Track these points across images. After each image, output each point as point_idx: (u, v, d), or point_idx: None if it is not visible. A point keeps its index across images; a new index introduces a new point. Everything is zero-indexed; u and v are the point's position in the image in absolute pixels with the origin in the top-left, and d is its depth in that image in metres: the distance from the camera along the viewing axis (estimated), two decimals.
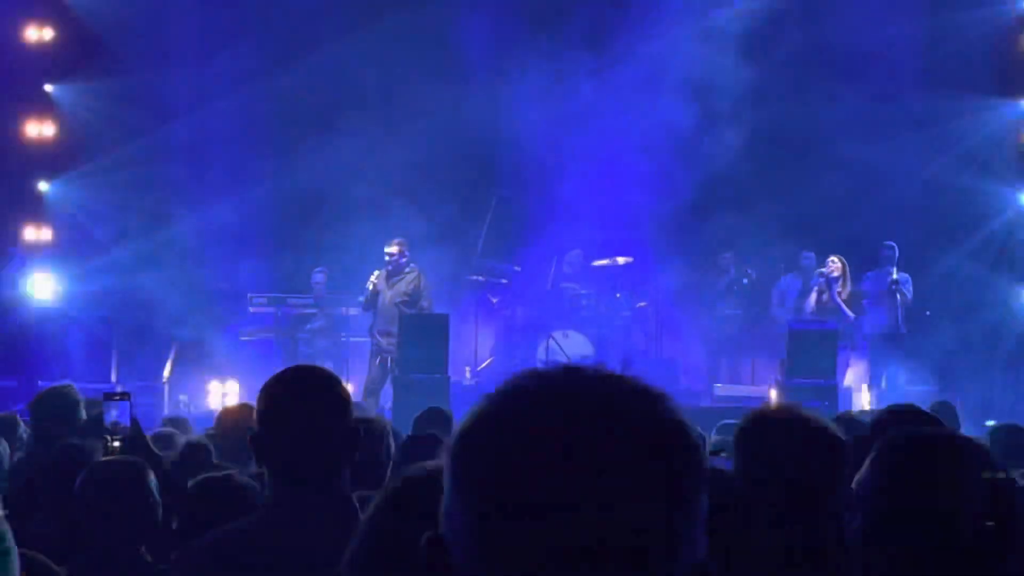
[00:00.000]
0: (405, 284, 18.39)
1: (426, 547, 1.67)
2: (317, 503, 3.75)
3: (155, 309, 19.48)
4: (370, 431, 5.00)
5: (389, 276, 18.42)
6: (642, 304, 19.80)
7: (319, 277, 19.75)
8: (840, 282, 19.21)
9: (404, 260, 18.42)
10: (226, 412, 7.04)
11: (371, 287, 18.37)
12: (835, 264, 19.26)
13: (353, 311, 19.23)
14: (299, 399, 3.97)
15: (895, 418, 5.50)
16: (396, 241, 18.48)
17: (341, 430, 3.96)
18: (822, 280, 19.26)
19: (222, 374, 19.21)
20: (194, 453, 6.82)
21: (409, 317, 17.87)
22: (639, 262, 20.08)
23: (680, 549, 1.59)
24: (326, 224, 20.42)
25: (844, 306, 18.90)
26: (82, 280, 19.61)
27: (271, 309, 19.41)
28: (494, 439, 1.62)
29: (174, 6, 20.70)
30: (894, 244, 19.60)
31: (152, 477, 5.28)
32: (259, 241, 20.30)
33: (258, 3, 20.76)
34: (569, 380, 1.65)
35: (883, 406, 9.43)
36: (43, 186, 20.43)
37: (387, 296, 18.32)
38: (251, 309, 19.51)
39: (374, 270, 18.55)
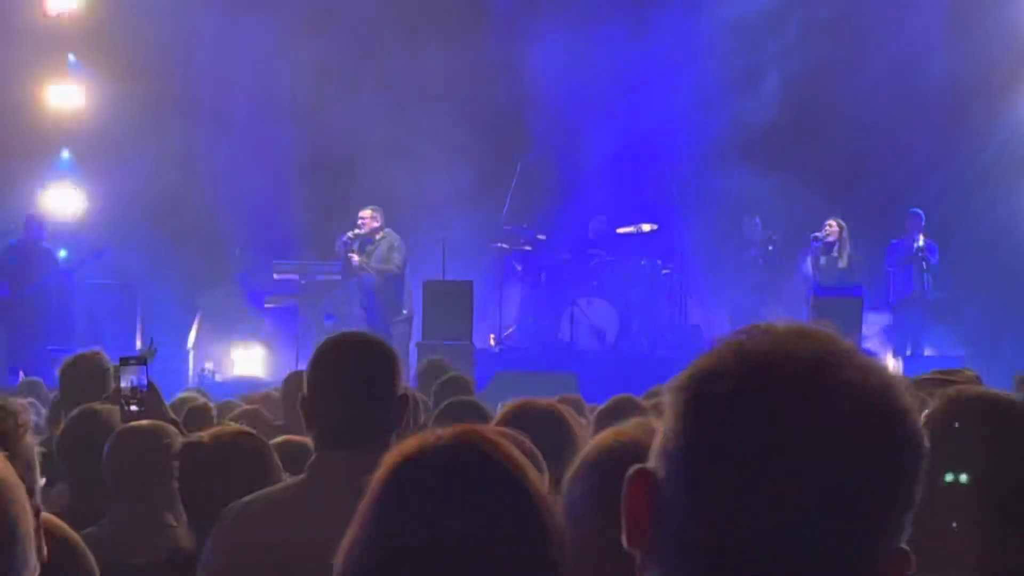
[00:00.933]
0: (380, 251, 18.41)
1: (634, 479, 1.65)
2: (359, 468, 3.72)
3: (179, 275, 19.47)
4: None
5: (363, 245, 18.38)
6: (666, 271, 19.71)
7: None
8: (837, 247, 19.16)
9: (377, 226, 18.41)
10: (289, 378, 7.07)
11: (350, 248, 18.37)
12: (832, 228, 19.22)
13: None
14: (347, 364, 3.98)
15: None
16: (371, 207, 18.45)
17: (387, 395, 3.95)
18: (818, 244, 19.24)
19: (247, 341, 19.21)
20: (195, 418, 6.80)
21: (433, 284, 17.85)
22: (664, 229, 20.02)
23: (895, 533, 1.63)
24: (349, 189, 20.36)
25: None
26: (105, 246, 19.53)
27: (295, 276, 19.29)
28: (744, 397, 1.60)
29: None
30: (920, 211, 19.54)
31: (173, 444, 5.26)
32: (283, 206, 20.20)
33: None
34: (811, 346, 1.63)
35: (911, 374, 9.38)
36: (65, 154, 20.42)
37: (360, 260, 18.33)
38: (275, 276, 19.40)
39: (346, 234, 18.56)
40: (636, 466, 1.66)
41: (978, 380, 10.26)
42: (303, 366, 9.33)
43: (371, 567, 2.21)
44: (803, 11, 20.23)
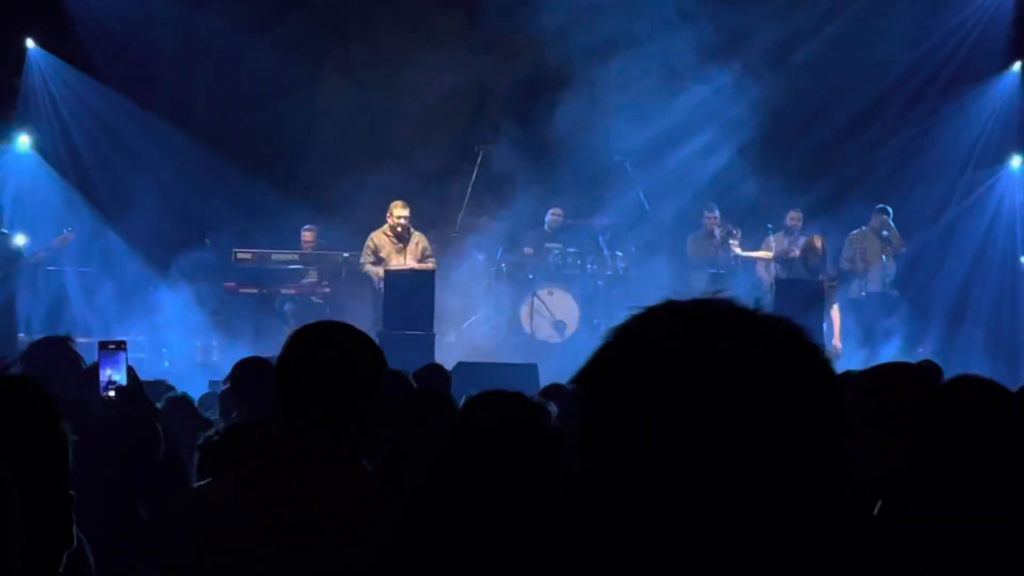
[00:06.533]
0: (415, 247, 18.47)
1: (569, 481, 1.63)
2: (329, 448, 3.72)
3: (136, 259, 19.44)
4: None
5: (399, 239, 18.46)
6: (620, 255, 19.72)
7: (307, 234, 19.56)
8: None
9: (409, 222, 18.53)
10: (241, 364, 6.99)
11: (371, 254, 18.41)
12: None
13: (346, 255, 18.98)
14: (331, 348, 3.93)
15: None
16: (405, 204, 18.48)
17: (367, 384, 3.90)
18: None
19: (206, 328, 19.09)
20: (177, 407, 6.72)
21: (394, 274, 17.80)
22: (626, 218, 20.07)
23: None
24: (313, 177, 20.34)
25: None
26: (59, 231, 19.37)
27: (256, 264, 19.16)
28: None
29: None
30: (887, 207, 19.66)
31: (161, 433, 5.22)
32: (244, 194, 20.12)
33: None
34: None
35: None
36: (24, 140, 20.31)
37: (399, 262, 18.34)
38: (236, 261, 19.17)
39: (370, 233, 18.55)
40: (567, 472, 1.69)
41: (940, 375, 10.40)
42: (261, 352, 9.24)
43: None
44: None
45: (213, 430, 4.83)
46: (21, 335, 17.58)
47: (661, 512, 1.54)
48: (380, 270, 18.27)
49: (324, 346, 3.94)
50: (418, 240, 18.65)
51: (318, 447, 3.78)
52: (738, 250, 19.48)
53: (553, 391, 7.20)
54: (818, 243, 18.92)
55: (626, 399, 1.58)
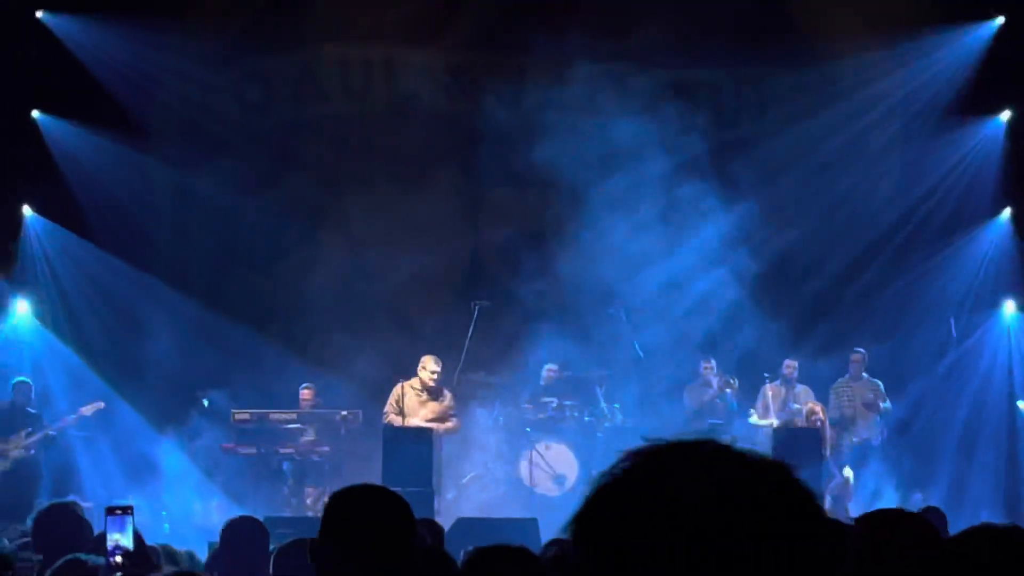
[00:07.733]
0: (439, 405, 18.49)
1: None
2: None
3: (136, 420, 19.40)
4: None
5: (429, 394, 18.46)
6: (618, 407, 19.70)
7: (306, 393, 19.48)
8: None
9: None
10: (231, 526, 6.99)
11: (395, 404, 18.37)
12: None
13: (344, 413, 18.92)
14: (371, 514, 3.94)
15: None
16: (437, 359, 18.52)
17: (404, 549, 3.91)
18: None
19: (205, 489, 18.98)
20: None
21: (393, 430, 17.78)
22: (622, 370, 20.07)
23: None
24: (307, 335, 20.37)
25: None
26: (64, 397, 19.38)
27: (254, 424, 19.09)
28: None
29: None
30: (863, 351, 19.74)
31: None
32: (240, 350, 20.11)
33: (242, 124, 20.77)
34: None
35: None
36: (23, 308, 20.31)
37: (420, 416, 18.32)
38: (234, 421, 19.13)
39: (399, 382, 18.54)
40: None
41: (944, 520, 10.36)
42: (259, 513, 9.26)
43: None
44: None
45: None
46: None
47: None
48: (400, 421, 18.25)
49: (358, 510, 3.95)
50: (445, 398, 18.69)
51: None
52: (754, 419, 19.57)
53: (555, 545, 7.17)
54: (819, 411, 18.96)
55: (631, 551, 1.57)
